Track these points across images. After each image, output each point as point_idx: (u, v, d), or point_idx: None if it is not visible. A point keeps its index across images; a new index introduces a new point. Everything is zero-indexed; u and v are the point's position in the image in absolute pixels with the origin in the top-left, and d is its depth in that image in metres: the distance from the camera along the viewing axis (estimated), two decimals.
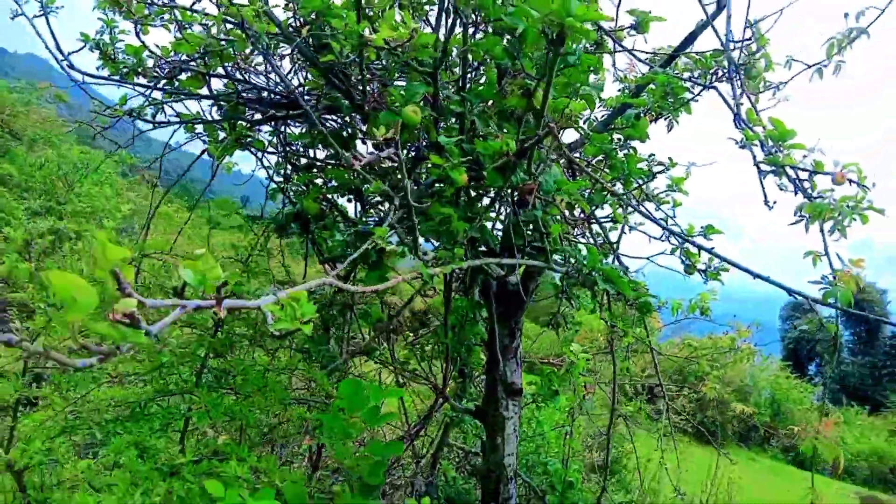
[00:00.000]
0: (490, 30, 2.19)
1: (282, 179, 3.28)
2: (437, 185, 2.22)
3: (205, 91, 2.77)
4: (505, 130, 2.25)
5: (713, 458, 6.99)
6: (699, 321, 3.80)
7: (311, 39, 2.26)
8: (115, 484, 2.18)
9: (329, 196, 3.21)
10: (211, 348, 2.50)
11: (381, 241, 1.90)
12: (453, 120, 2.43)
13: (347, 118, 2.62)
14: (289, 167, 3.31)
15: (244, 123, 2.72)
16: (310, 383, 3.22)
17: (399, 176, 2.34)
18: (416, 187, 2.30)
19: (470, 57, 2.21)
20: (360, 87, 2.34)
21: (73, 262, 8.47)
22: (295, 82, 2.89)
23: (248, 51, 2.65)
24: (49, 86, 11.92)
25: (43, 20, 2.58)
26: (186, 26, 2.59)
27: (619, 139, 2.84)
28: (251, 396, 2.65)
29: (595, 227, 2.90)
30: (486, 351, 3.74)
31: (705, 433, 7.18)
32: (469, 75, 2.39)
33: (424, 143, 2.38)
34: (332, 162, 2.91)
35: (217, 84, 2.83)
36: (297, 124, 2.94)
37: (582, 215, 2.70)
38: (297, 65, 2.80)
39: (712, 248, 2.22)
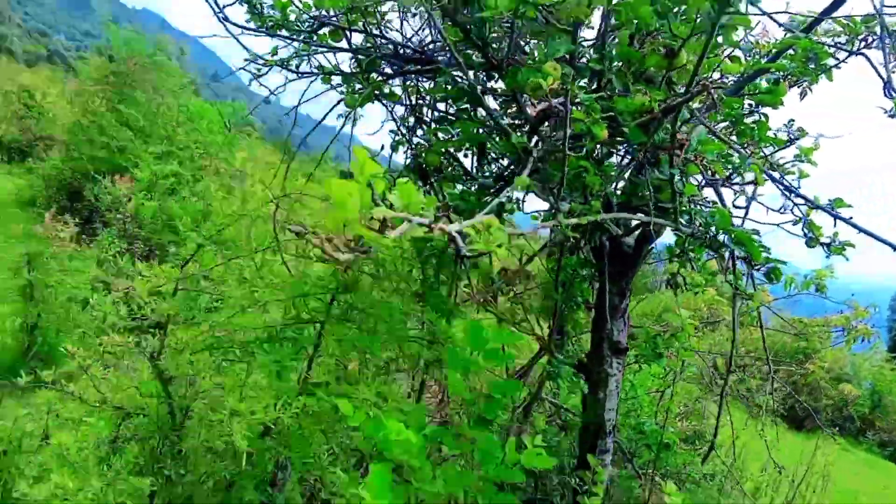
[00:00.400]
0: None
1: (405, 132, 3.41)
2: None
3: (343, 45, 2.92)
4: (641, 89, 2.27)
5: (805, 444, 6.80)
6: (807, 301, 3.68)
7: None
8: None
9: (450, 150, 3.32)
10: (342, 283, 2.69)
11: (520, 189, 1.99)
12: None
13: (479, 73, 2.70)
14: (412, 120, 3.44)
15: (379, 77, 2.84)
16: (423, 325, 3.39)
17: (534, 131, 2.41)
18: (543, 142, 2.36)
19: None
20: (496, 45, 2.41)
21: (192, 202, 9.08)
22: (426, 38, 3.00)
23: (385, 7, 2.76)
24: (169, 38, 12.61)
25: None
26: None
27: (750, 105, 2.78)
28: (374, 331, 2.85)
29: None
30: (586, 310, 3.81)
31: (809, 416, 6.95)
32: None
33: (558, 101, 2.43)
34: (458, 116, 3.00)
35: (354, 39, 2.97)
36: (426, 79, 3.05)
37: (714, 178, 2.68)
38: (426, 21, 2.90)
39: (850, 218, 2.17)
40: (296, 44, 2.93)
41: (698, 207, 2.71)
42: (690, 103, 2.11)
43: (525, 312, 3.75)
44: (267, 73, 2.89)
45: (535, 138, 2.86)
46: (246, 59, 2.83)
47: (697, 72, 1.76)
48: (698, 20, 1.95)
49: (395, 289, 3.46)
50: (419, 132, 3.32)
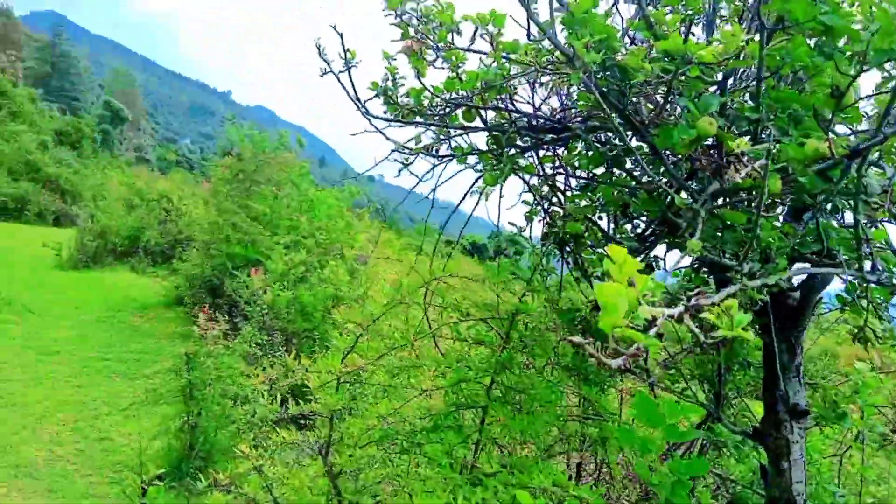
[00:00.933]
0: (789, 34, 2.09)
1: (540, 202, 3.40)
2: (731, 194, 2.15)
3: (476, 124, 2.98)
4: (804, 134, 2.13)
5: None
6: None
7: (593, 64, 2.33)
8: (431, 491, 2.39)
9: (588, 215, 3.26)
10: (500, 364, 2.65)
11: (693, 253, 1.89)
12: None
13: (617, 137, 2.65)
14: (545, 189, 3.43)
15: (514, 151, 2.87)
16: (580, 401, 3.26)
17: (692, 186, 2.32)
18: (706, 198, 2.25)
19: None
20: (634, 106, 2.36)
21: (321, 288, 9.46)
22: (551, 106, 3.01)
23: (515, 81, 2.81)
24: (289, 133, 13.55)
25: (344, 75, 2.96)
26: (460, 65, 2.82)
27: None
28: (533, 412, 2.76)
29: None
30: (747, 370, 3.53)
31: None
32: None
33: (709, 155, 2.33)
34: (597, 180, 2.95)
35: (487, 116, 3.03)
36: (558, 147, 3.05)
37: None
38: (551, 91, 2.91)
39: None
40: (431, 129, 3.02)
41: (882, 251, 2.47)
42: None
43: (683, 378, 3.54)
44: (414, 160, 2.99)
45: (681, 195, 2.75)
46: (393, 150, 2.95)
47: (889, 111, 1.62)
48: (870, 53, 1.82)
49: (545, 363, 3.38)
50: (553, 201, 3.30)
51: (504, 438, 2.75)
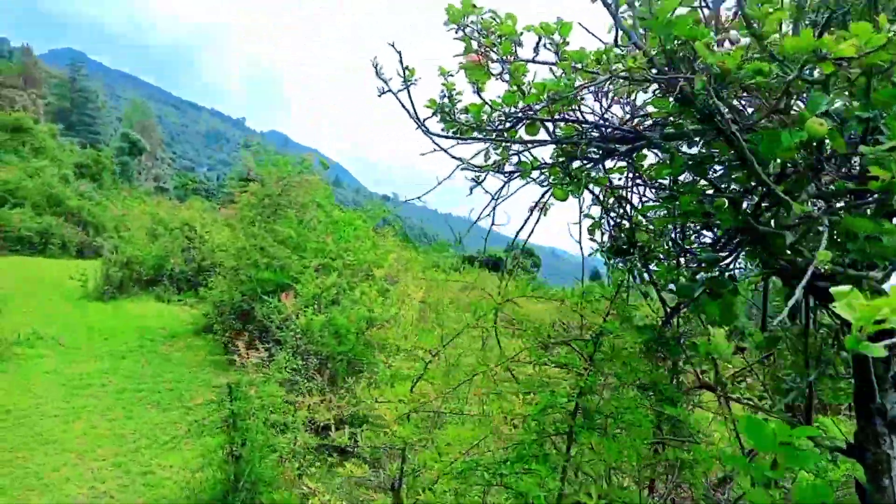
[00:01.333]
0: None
1: (605, 214, 3.26)
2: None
3: (541, 137, 2.85)
4: None
5: None
6: None
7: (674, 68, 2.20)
8: None
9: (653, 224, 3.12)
10: (587, 387, 2.49)
11: (822, 264, 1.74)
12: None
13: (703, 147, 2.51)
14: (610, 201, 3.29)
15: (584, 163, 2.73)
16: (659, 424, 3.08)
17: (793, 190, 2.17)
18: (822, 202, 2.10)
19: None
20: (727, 110, 2.22)
21: (354, 310, 9.34)
22: (615, 115, 2.87)
23: (585, 91, 2.68)
24: (311, 157, 13.53)
25: (404, 93, 2.85)
26: (523, 78, 2.70)
27: None
28: (618, 436, 2.60)
29: None
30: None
31: None
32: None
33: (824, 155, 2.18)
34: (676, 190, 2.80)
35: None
36: (626, 158, 2.91)
37: None
38: (614, 99, 2.78)
39: None
40: (493, 144, 2.90)
41: None
42: None
43: (771, 395, 3.35)
44: (485, 178, 2.87)
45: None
46: (459, 167, 2.82)
47: None
48: None
49: (619, 384, 3.21)
50: (621, 212, 3.15)
51: (593, 466, 2.59)
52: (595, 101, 2.76)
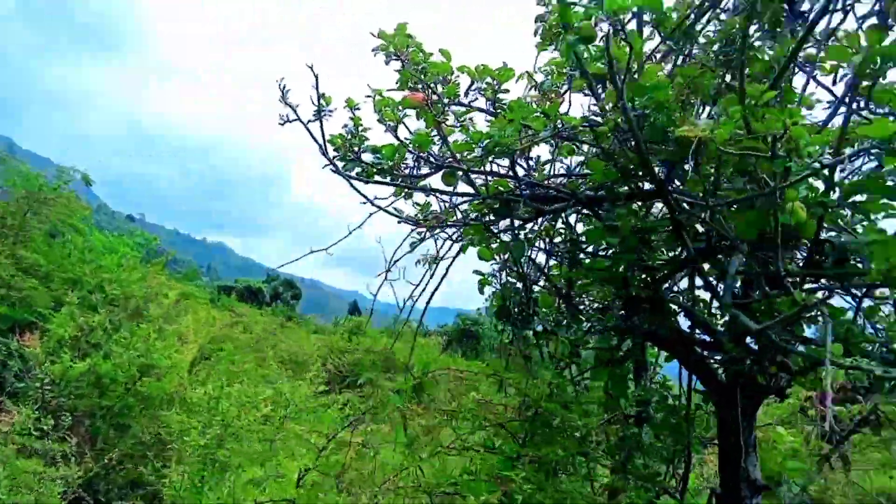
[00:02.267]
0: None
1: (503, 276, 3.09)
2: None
3: (461, 189, 2.59)
4: None
5: None
6: None
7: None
8: None
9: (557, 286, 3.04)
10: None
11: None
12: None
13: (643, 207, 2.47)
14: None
15: (515, 222, 2.53)
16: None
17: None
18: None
19: None
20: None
21: (122, 355, 7.97)
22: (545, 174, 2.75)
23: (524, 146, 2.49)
24: (68, 170, 11.56)
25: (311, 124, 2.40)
26: (467, 125, 2.44)
27: None
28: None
29: None
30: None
31: None
32: None
33: None
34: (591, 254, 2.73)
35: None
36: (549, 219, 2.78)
37: None
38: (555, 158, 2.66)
39: None
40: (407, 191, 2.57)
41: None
42: None
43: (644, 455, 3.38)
44: (424, 235, 2.48)
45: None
46: (403, 222, 2.42)
47: None
48: None
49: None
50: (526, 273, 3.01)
51: None
52: (525, 158, 2.58)
